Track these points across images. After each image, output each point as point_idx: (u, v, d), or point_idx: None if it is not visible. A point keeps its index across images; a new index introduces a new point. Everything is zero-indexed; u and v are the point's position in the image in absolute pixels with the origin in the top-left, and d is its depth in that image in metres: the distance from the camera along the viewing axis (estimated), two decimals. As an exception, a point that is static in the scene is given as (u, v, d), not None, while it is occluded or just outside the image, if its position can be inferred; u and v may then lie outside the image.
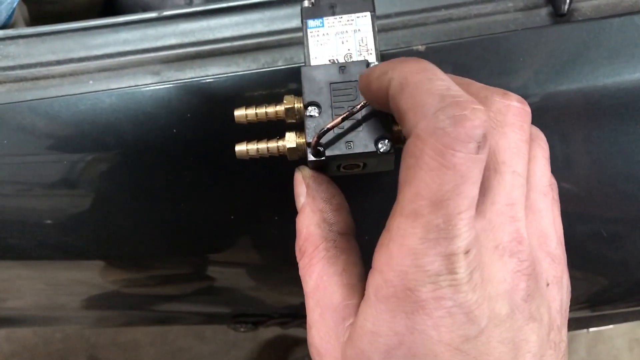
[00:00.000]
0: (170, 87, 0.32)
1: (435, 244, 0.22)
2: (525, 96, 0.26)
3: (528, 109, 0.25)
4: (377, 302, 0.23)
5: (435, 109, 0.22)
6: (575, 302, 0.43)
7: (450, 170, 0.21)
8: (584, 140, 0.34)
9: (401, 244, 0.23)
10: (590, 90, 0.33)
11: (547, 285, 0.26)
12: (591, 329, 0.64)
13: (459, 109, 0.21)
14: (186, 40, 0.34)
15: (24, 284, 0.44)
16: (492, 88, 0.26)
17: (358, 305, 0.26)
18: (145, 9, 0.56)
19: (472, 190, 0.22)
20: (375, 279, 0.24)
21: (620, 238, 0.37)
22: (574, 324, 0.61)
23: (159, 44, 0.34)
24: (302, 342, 1.10)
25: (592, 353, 1.15)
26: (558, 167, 0.32)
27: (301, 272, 0.28)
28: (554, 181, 0.29)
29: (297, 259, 0.28)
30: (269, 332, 1.12)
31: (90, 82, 0.33)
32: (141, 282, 0.44)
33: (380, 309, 0.23)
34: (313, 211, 0.28)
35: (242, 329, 0.53)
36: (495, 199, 0.24)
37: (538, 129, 0.28)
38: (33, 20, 0.50)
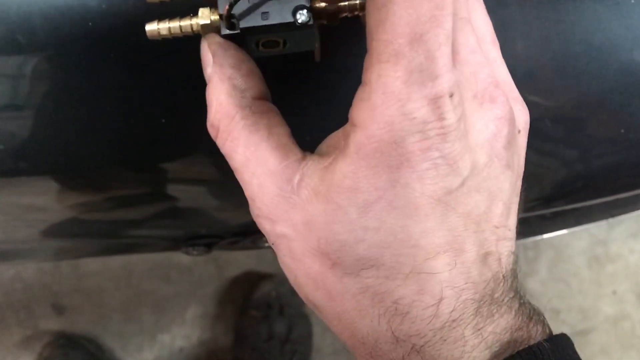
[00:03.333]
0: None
1: (421, 86, 0.21)
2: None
3: None
4: (359, 159, 0.23)
5: None
6: (530, 200, 0.43)
7: None
8: (524, 23, 0.33)
9: (384, 92, 0.22)
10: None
11: (519, 132, 0.26)
12: (545, 235, 0.65)
13: None
14: None
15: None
16: None
17: (299, 161, 0.25)
18: None
19: (448, 21, 0.21)
20: (357, 136, 0.23)
21: (568, 125, 0.37)
22: (529, 229, 0.62)
23: None
24: (266, 277, 1.10)
25: (553, 272, 1.19)
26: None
27: (224, 150, 0.26)
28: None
29: (212, 136, 0.27)
30: (234, 270, 1.12)
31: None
32: (97, 206, 0.42)
33: (362, 165, 0.22)
34: (221, 80, 0.26)
35: (194, 252, 0.52)
36: (456, 50, 0.24)
37: None
38: None
